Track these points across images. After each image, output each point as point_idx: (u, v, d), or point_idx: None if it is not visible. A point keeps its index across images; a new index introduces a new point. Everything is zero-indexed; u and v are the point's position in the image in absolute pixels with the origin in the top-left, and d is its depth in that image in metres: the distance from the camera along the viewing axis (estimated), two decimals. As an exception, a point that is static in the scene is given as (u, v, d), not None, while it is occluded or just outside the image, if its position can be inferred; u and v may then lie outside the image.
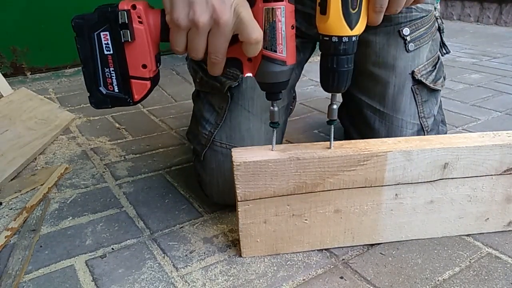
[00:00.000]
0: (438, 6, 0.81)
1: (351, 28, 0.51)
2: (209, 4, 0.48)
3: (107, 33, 0.52)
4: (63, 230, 0.73)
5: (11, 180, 0.89)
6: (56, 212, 0.78)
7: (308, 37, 0.81)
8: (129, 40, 0.51)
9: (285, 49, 0.53)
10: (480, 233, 0.69)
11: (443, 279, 0.61)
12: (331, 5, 0.50)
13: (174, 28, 0.50)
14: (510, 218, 0.69)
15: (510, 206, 0.67)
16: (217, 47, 0.51)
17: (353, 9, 0.50)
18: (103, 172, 0.93)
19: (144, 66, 0.54)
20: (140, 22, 0.51)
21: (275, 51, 0.53)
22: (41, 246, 0.69)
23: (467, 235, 0.69)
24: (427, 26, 0.77)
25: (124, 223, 0.75)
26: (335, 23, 0.51)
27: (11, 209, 0.79)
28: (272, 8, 0.51)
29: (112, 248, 0.68)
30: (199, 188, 0.80)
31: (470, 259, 0.64)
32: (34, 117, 1.12)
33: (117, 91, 0.55)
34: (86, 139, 1.11)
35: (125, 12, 0.50)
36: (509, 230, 0.70)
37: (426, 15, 0.77)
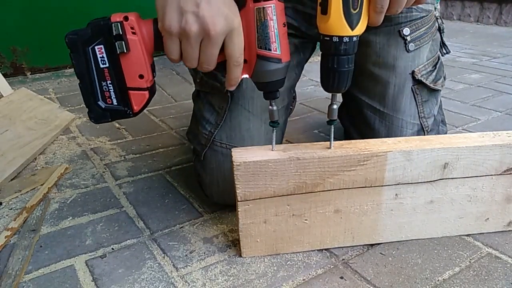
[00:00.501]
0: (438, 6, 0.82)
1: (352, 28, 0.51)
2: (200, 15, 0.49)
3: (102, 46, 0.52)
4: (63, 230, 0.73)
5: (11, 180, 0.89)
6: (56, 212, 0.78)
7: (308, 37, 0.81)
8: (124, 51, 0.51)
9: (279, 47, 0.54)
10: (480, 233, 0.69)
11: (443, 279, 0.61)
12: (332, 5, 0.50)
13: (166, 35, 0.51)
14: (510, 218, 0.69)
15: (510, 206, 0.67)
16: (208, 57, 0.52)
17: (354, 9, 0.51)
18: (103, 172, 0.93)
19: (141, 76, 0.54)
20: (134, 33, 0.52)
21: (269, 50, 0.53)
22: (41, 246, 0.69)
23: (467, 235, 0.69)
24: (427, 26, 0.77)
25: (124, 223, 0.75)
26: (336, 23, 0.51)
27: (11, 209, 0.79)
28: (263, 7, 0.51)
29: (112, 248, 0.68)
30: (199, 188, 0.80)
31: (470, 259, 0.64)
32: (34, 117, 1.12)
33: (116, 104, 0.55)
34: (86, 139, 1.11)
35: (118, 24, 0.51)
36: (509, 230, 0.70)
37: (427, 15, 0.77)
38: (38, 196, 0.81)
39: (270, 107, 0.59)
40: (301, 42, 0.81)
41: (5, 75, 1.30)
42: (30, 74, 1.57)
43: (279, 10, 0.52)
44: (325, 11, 0.51)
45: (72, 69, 1.76)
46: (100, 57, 0.52)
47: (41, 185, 0.86)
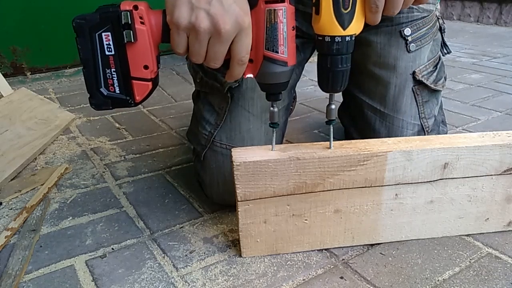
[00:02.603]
0: (438, 6, 0.82)
1: (344, 28, 0.51)
2: (211, 12, 0.49)
3: (109, 33, 0.52)
4: (63, 230, 0.73)
5: (11, 180, 0.89)
6: (56, 212, 0.78)
7: (308, 37, 0.81)
8: (131, 40, 0.51)
9: (286, 50, 0.53)
10: (480, 233, 0.69)
11: (443, 279, 0.61)
12: (323, 5, 0.50)
13: (174, 28, 0.51)
14: (510, 218, 0.69)
15: (510, 206, 0.67)
16: (216, 55, 0.52)
17: (345, 9, 0.51)
18: (103, 172, 0.93)
19: (146, 67, 0.54)
20: (142, 23, 0.51)
21: (277, 52, 0.53)
22: (41, 246, 0.69)
23: (467, 235, 0.69)
24: (428, 26, 0.77)
25: (124, 223, 0.75)
26: (327, 23, 0.51)
27: (11, 209, 0.79)
28: (274, 10, 0.51)
29: (112, 248, 0.68)
30: (199, 188, 0.80)
31: (470, 259, 0.64)
32: (34, 117, 1.12)
33: (118, 92, 0.55)
34: (86, 139, 1.11)
35: (128, 13, 0.50)
36: (509, 230, 0.70)
37: (428, 15, 0.77)
38: (38, 196, 0.81)
39: (272, 108, 0.59)
40: (301, 42, 0.81)
41: (5, 75, 1.30)
42: (30, 74, 1.57)
43: (289, 13, 0.52)
44: (317, 11, 0.52)
45: (72, 69, 1.76)
46: (107, 44, 0.52)
47: (41, 185, 0.86)
